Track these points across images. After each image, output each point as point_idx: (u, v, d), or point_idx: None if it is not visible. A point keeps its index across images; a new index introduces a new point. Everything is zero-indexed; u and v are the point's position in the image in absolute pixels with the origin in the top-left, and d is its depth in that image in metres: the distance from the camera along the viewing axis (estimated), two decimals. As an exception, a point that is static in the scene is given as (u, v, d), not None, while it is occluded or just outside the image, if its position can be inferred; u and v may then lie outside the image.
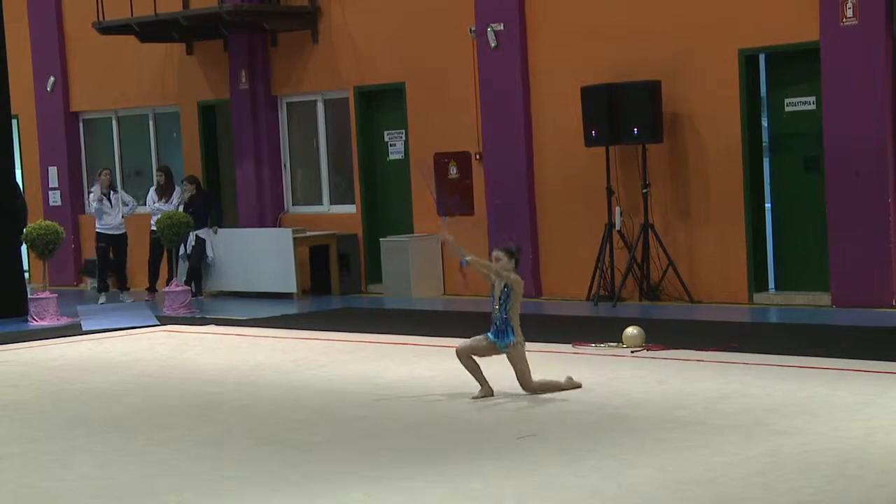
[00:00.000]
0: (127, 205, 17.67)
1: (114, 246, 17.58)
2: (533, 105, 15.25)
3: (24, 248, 16.33)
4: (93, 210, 17.73)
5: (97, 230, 17.60)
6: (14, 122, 17.50)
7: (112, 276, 17.79)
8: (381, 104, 17.04)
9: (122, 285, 17.66)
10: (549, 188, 15.20)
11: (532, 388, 9.08)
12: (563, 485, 6.64)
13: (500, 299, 8.99)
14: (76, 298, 17.79)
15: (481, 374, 9.15)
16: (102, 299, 17.28)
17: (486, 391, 9.09)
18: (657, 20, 14.20)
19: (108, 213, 17.47)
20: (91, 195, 17.82)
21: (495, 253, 9.10)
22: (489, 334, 9.09)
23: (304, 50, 17.47)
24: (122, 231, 17.62)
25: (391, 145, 16.97)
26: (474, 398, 9.04)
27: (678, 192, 14.21)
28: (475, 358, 9.16)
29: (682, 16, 14.04)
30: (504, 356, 9.09)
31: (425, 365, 10.68)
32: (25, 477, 7.48)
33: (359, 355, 11.47)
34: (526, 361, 9.07)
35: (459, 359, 9.17)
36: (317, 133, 17.80)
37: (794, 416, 7.96)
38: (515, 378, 9.11)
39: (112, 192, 17.54)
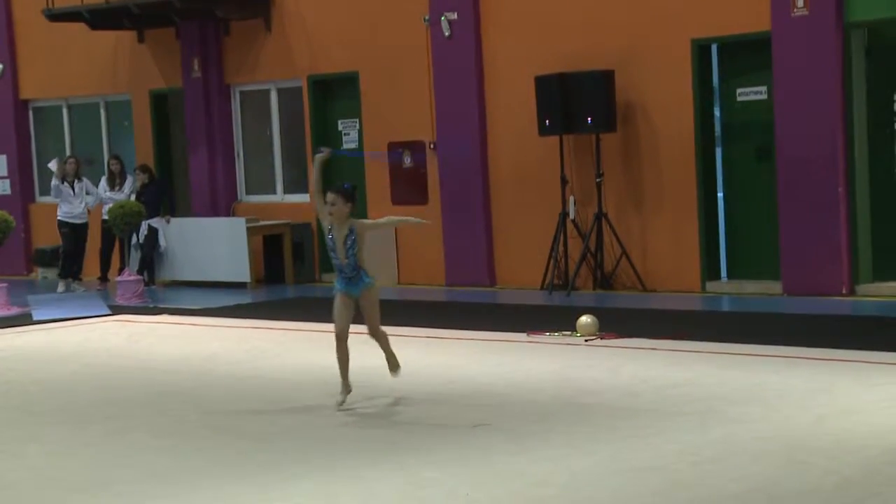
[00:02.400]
0: (91, 194, 17.52)
1: (74, 235, 17.44)
2: (487, 94, 15.26)
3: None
4: (53, 194, 17.55)
5: (59, 218, 17.45)
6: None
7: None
8: (334, 93, 16.99)
9: (76, 275, 17.52)
10: (502, 177, 15.21)
11: (381, 334, 8.71)
12: (517, 473, 6.67)
13: (346, 246, 8.51)
14: (27, 288, 17.64)
15: (348, 367, 8.66)
16: (62, 287, 17.13)
17: (348, 389, 8.65)
18: (610, 10, 14.24)
19: (71, 202, 17.34)
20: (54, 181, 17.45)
21: (330, 196, 8.46)
22: (339, 290, 8.63)
23: (257, 38, 17.38)
24: (84, 220, 17.51)
25: (345, 134, 16.92)
26: (340, 404, 8.54)
27: (631, 182, 14.27)
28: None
29: (635, 6, 14.08)
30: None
31: (379, 354, 10.64)
32: (-24, 468, 7.41)
33: (313, 345, 11.44)
34: (378, 306, 8.70)
35: (341, 345, 8.62)
36: (270, 122, 17.72)
37: (746, 404, 8.02)
38: (367, 328, 8.70)
39: (76, 181, 17.40)
